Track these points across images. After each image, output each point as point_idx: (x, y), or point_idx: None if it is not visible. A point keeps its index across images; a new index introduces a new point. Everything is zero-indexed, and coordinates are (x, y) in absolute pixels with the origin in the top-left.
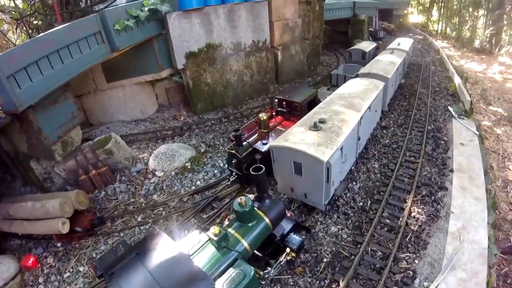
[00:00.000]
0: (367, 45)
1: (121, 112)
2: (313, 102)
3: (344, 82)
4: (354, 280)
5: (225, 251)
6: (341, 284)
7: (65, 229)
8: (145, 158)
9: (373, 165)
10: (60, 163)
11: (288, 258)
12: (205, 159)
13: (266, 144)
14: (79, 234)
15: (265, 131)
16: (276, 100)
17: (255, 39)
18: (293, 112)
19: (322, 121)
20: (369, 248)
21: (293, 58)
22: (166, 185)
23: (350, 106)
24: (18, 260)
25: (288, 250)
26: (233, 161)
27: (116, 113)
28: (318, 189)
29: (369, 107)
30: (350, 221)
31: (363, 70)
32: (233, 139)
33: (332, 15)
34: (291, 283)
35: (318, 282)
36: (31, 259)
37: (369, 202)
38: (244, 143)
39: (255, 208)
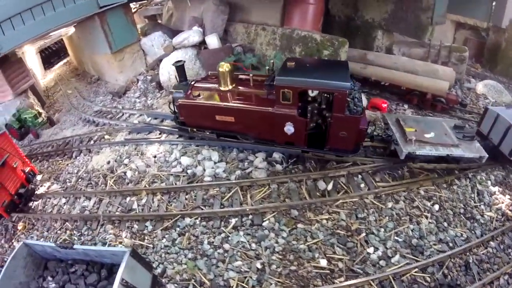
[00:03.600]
0: None
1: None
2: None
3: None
4: None
5: None
6: None
7: (445, 92)
8: (472, 82)
9: None
10: (405, 45)
11: None
12: None
13: (198, 98)
14: (443, 106)
15: (223, 89)
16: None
17: None
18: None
19: None
20: None
21: None
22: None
23: None
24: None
25: None
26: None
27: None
28: None
29: None
30: None
31: None
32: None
33: None
34: None
35: None
36: (386, 104)
37: None
38: (190, 83)
39: None
